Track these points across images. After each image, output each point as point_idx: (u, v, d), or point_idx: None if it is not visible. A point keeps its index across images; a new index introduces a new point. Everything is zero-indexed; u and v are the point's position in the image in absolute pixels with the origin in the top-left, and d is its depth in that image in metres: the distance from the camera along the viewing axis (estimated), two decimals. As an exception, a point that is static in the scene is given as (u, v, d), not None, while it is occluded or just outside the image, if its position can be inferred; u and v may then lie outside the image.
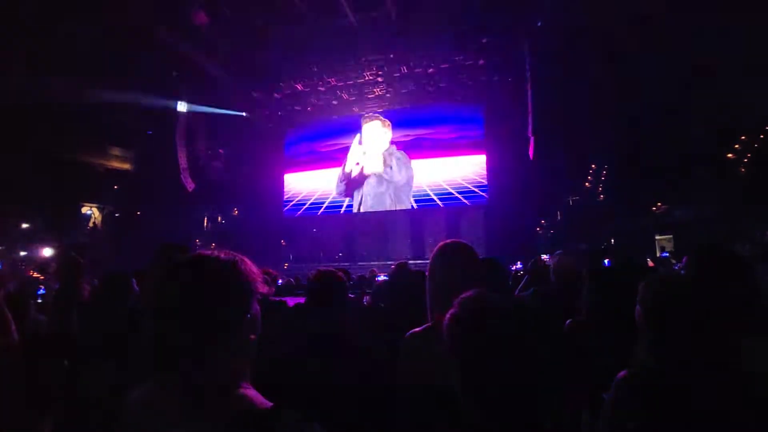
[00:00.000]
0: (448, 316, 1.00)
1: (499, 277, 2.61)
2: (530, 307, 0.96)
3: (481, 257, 1.67)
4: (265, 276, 1.06)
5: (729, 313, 1.22)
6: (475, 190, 17.08)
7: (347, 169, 18.51)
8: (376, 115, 18.26)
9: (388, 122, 18.25)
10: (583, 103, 13.87)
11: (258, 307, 1.00)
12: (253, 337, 0.97)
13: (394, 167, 17.93)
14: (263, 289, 1.00)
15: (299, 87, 16.88)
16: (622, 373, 1.28)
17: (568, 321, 2.07)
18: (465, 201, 16.96)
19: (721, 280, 1.62)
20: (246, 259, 1.00)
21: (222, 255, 0.98)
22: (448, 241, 1.64)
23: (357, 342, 1.77)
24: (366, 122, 18.39)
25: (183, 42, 13.61)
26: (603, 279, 1.98)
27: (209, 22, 12.93)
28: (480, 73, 15.86)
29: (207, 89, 16.03)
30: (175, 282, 0.93)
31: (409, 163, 18.04)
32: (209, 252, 0.98)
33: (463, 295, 1.02)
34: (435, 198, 17.54)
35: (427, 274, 1.61)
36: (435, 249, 1.62)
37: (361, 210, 18.34)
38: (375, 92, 17.29)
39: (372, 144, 18.23)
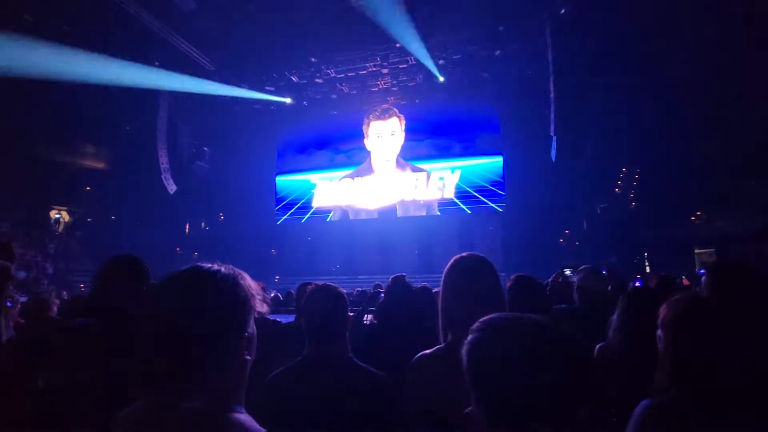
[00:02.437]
0: (469, 339, 0.98)
1: (531, 295, 2.58)
2: (565, 332, 0.94)
3: (514, 274, 1.64)
4: (264, 293, 1.07)
5: (752, 339, 1.22)
6: (486, 201, 17.12)
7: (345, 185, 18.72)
8: (391, 108, 18.23)
9: (403, 118, 18.27)
10: (611, 99, 13.83)
11: (254, 327, 1.03)
12: (248, 358, 1.00)
13: (407, 173, 18.18)
14: (262, 307, 1.03)
15: (294, 79, 16.99)
16: (644, 402, 1.28)
17: (599, 345, 2.05)
18: (487, 202, 17.06)
19: (744, 300, 1.62)
20: (245, 275, 1.03)
21: (223, 269, 1.00)
22: (463, 254, 1.65)
23: (357, 366, 1.78)
24: (375, 119, 18.41)
25: (166, 26, 13.69)
26: (635, 300, 1.98)
27: (196, 7, 13.03)
28: (496, 66, 15.89)
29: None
30: (172, 296, 0.95)
31: (415, 167, 18.25)
32: (208, 265, 1.00)
33: (485, 317, 1.00)
34: (442, 207, 17.66)
35: (438, 290, 1.62)
36: (449, 263, 1.63)
37: (363, 217, 18.46)
38: (379, 85, 17.38)
39: (383, 145, 18.35)
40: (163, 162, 16.41)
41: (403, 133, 18.40)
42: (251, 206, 19.40)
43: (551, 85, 14.36)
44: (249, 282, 1.02)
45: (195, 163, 18.16)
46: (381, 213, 18.29)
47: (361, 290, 8.15)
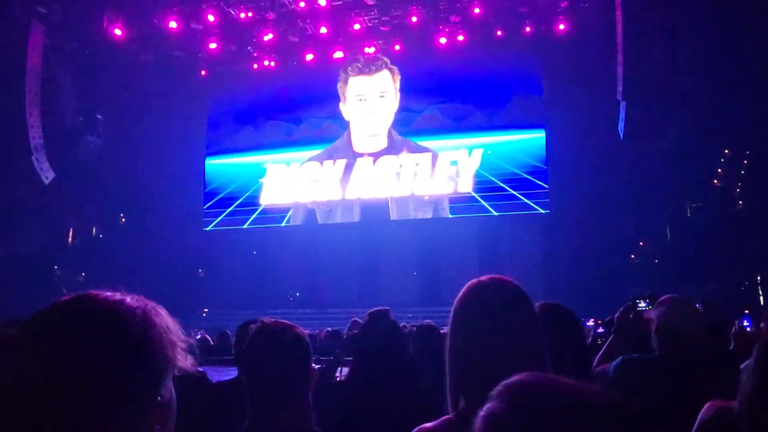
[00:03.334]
0: (485, 413, 0.95)
1: (569, 338, 2.65)
2: (630, 410, 0.90)
3: (536, 303, 1.73)
4: (188, 338, 1.10)
5: None
6: (521, 197, 17.01)
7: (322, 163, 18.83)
8: (380, 58, 18.27)
9: (398, 72, 18.38)
10: (710, 48, 13.86)
11: (173, 391, 1.05)
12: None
13: (404, 155, 18.22)
14: (184, 360, 1.06)
15: (233, 12, 16.95)
16: None
17: (709, 405, 2.07)
18: (522, 198, 16.99)
19: None
20: (161, 310, 1.05)
21: (127, 300, 1.02)
22: (484, 278, 1.67)
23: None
24: (355, 74, 18.43)
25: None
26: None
27: None
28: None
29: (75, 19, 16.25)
30: (38, 348, 0.94)
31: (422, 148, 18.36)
32: (104, 294, 1.01)
33: (511, 379, 0.97)
34: (456, 205, 17.69)
35: (447, 331, 1.65)
36: (462, 292, 1.65)
37: (338, 220, 18.47)
38: (362, 21, 17.36)
39: (367, 113, 18.37)
40: (35, 136, 16.28)
41: (398, 95, 18.46)
42: (167, 204, 19.43)
43: (619, 24, 14.48)
44: (166, 322, 1.04)
45: (83, 138, 18.12)
46: (365, 214, 18.38)
47: (333, 331, 8.36)
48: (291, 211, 19.06)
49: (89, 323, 0.97)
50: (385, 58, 18.33)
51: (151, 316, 1.01)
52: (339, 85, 18.68)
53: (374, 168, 18.34)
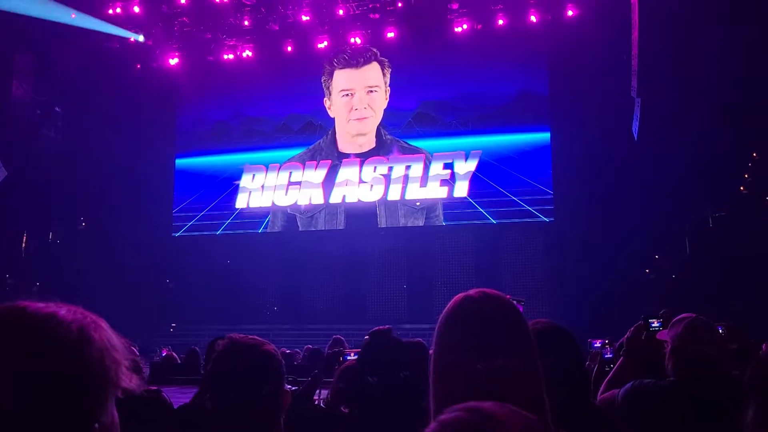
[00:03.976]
0: None
1: (567, 361, 2.57)
2: None
3: (530, 320, 1.83)
4: (132, 356, 1.08)
5: None
6: (522, 203, 16.75)
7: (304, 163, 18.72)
8: (369, 49, 18.01)
9: (388, 65, 18.13)
10: (734, 36, 13.68)
11: (116, 414, 1.04)
12: None
13: (395, 156, 18.11)
14: (129, 380, 1.03)
15: None
16: None
17: None
18: (524, 205, 16.93)
19: None
20: (102, 323, 1.04)
21: (62, 312, 1.01)
22: (471, 292, 1.63)
23: None
24: (341, 66, 18.21)
25: None
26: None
27: None
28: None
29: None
30: None
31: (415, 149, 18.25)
32: (36, 305, 1.01)
33: (447, 416, 0.98)
34: (451, 212, 17.58)
35: (431, 350, 1.66)
36: (447, 308, 1.64)
37: (320, 226, 18.36)
38: (349, 8, 17.01)
39: (354, 109, 18.13)
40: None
41: (388, 90, 18.19)
42: (132, 207, 19.07)
43: (634, 10, 14.35)
44: (108, 337, 1.02)
45: (39, 132, 17.98)
46: (351, 221, 18.29)
47: (313, 349, 8.71)
48: (269, 216, 18.87)
49: (14, 338, 0.96)
50: (374, 50, 18.00)
51: (88, 331, 1.00)
52: (323, 78, 18.42)
53: (360, 172, 18.10)
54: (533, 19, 16.48)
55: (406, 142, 18.17)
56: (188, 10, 17.28)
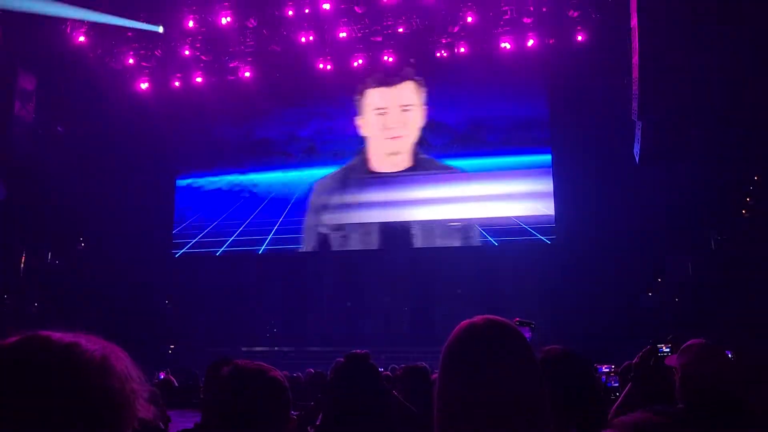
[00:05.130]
0: None
1: (579, 390, 2.63)
2: None
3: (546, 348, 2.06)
4: (151, 387, 1.15)
5: None
6: (524, 225, 17.02)
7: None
8: (406, 68, 18.11)
9: (423, 83, 18.27)
10: (736, 56, 13.72)
11: None
12: None
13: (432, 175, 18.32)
14: (146, 411, 1.04)
15: (214, 20, 16.64)
16: None
17: None
18: (526, 227, 17.16)
19: None
20: (120, 353, 1.05)
21: (83, 341, 1.01)
22: (476, 319, 1.65)
23: None
24: (374, 86, 18.36)
25: None
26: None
27: None
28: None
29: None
30: None
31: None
32: (57, 335, 1.02)
33: None
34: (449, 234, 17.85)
35: (435, 382, 1.67)
36: (451, 337, 1.66)
37: (354, 246, 18.49)
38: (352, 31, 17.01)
39: (387, 128, 18.34)
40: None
41: (423, 109, 18.29)
42: (132, 226, 19.00)
43: (634, 37, 14.39)
44: (127, 367, 1.04)
45: (40, 151, 17.93)
46: (384, 240, 18.37)
47: (316, 372, 8.73)
48: (303, 235, 18.85)
49: (39, 369, 0.96)
50: (410, 68, 18.19)
51: (110, 361, 1.02)
52: (356, 97, 18.67)
53: (394, 190, 18.27)
54: (531, 42, 16.53)
55: (446, 163, 18.20)
56: (193, 32, 17.42)
